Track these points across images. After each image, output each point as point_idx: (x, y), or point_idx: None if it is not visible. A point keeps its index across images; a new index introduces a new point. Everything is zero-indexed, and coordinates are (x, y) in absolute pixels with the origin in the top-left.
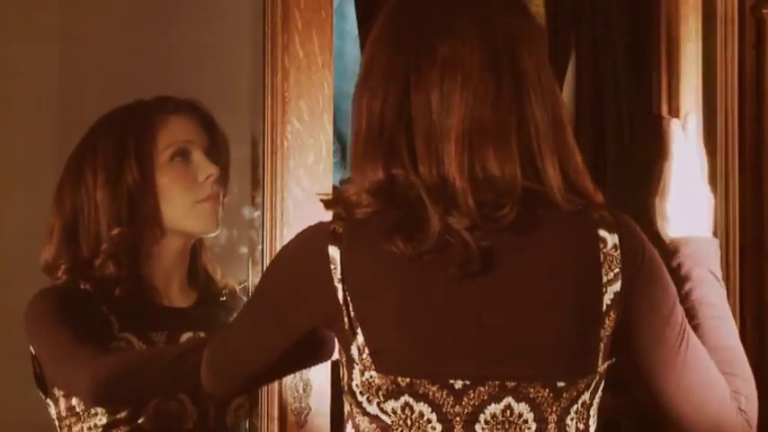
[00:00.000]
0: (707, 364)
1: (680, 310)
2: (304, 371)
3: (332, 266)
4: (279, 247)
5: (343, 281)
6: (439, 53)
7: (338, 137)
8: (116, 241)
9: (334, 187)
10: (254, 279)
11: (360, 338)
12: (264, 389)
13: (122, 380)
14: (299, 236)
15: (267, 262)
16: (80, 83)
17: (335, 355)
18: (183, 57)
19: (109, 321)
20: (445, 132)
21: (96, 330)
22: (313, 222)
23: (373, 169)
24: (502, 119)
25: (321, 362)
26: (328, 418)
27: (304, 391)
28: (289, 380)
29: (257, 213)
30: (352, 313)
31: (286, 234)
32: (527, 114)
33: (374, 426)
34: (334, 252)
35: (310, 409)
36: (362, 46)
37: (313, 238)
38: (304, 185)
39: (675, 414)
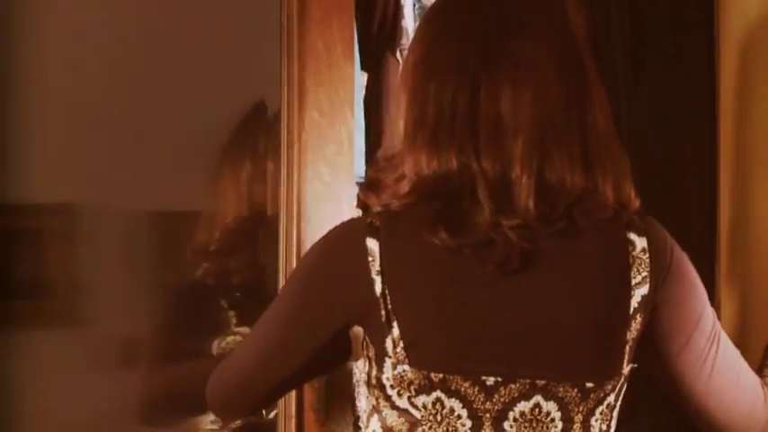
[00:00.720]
0: (738, 368)
1: (710, 313)
2: None
3: (370, 258)
4: (298, 245)
5: (381, 273)
6: (512, 51)
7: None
8: (230, 228)
9: (370, 171)
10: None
11: (395, 332)
12: None
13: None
14: (331, 232)
15: (286, 260)
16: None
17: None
18: (199, 47)
19: (226, 317)
20: (514, 130)
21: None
22: (334, 217)
23: (440, 157)
24: (570, 122)
25: (342, 365)
26: (348, 415)
27: (323, 388)
28: None
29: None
30: (389, 306)
31: (305, 230)
32: (590, 119)
33: (402, 420)
34: (372, 244)
35: (329, 407)
36: (361, 46)
37: (349, 232)
38: (324, 179)
39: (705, 416)
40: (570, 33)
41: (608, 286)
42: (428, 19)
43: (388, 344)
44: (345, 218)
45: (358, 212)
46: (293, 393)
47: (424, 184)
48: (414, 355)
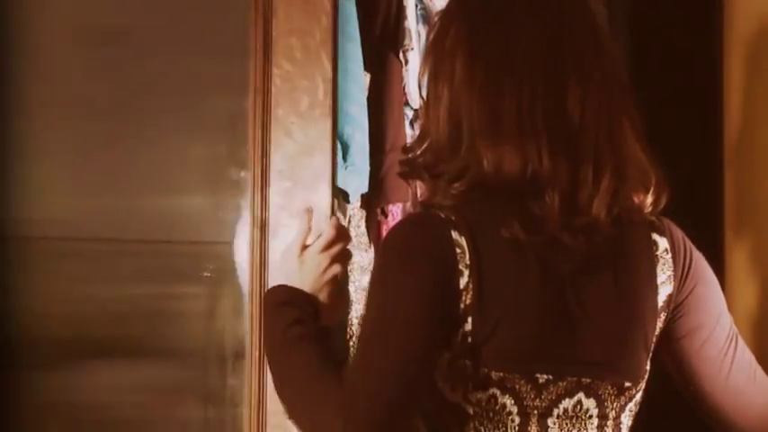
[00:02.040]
0: (755, 367)
1: (728, 313)
2: None
3: (458, 251)
4: (268, 211)
5: (469, 267)
6: (581, 54)
7: (340, 137)
8: None
9: (424, 162)
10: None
11: (468, 326)
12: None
13: None
14: (406, 223)
15: (255, 230)
16: None
17: None
18: None
19: None
20: (581, 133)
21: None
22: (313, 180)
23: (521, 155)
24: (625, 128)
25: None
26: None
27: None
28: None
29: (243, 173)
30: (468, 300)
31: (273, 197)
32: (635, 124)
33: (452, 415)
34: (458, 238)
35: None
36: (363, 47)
37: (430, 224)
38: (296, 137)
39: (722, 415)
40: (606, 39)
41: (641, 287)
42: (477, 9)
43: (457, 337)
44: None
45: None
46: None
47: (495, 180)
48: (481, 352)
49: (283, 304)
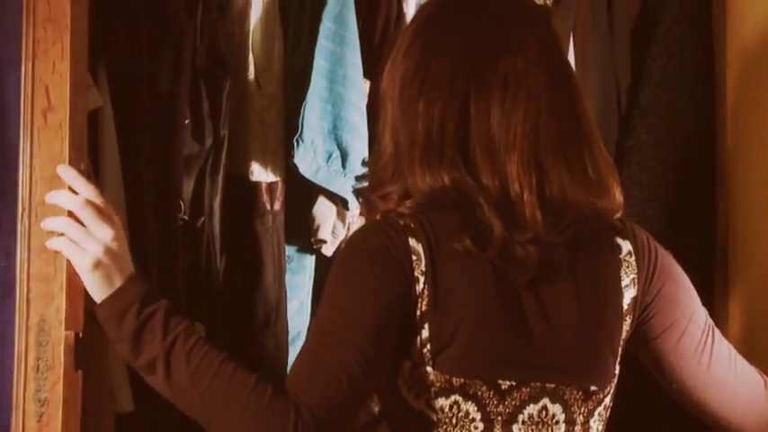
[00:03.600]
0: (734, 357)
1: (702, 309)
2: None
3: (414, 257)
4: None
5: (425, 273)
6: (501, 68)
7: (339, 144)
8: None
9: (372, 186)
10: None
11: (425, 333)
12: None
13: None
14: (366, 229)
15: None
16: None
17: None
18: None
19: None
20: (507, 147)
21: None
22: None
23: (435, 176)
24: (563, 135)
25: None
26: None
27: None
28: None
29: None
30: (424, 307)
31: None
32: (581, 131)
33: (417, 423)
34: (415, 245)
35: None
36: (363, 54)
37: (390, 231)
38: None
39: (709, 407)
40: (557, 48)
41: (604, 291)
42: (415, 34)
43: (415, 344)
44: None
45: None
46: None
47: (425, 199)
48: (440, 359)
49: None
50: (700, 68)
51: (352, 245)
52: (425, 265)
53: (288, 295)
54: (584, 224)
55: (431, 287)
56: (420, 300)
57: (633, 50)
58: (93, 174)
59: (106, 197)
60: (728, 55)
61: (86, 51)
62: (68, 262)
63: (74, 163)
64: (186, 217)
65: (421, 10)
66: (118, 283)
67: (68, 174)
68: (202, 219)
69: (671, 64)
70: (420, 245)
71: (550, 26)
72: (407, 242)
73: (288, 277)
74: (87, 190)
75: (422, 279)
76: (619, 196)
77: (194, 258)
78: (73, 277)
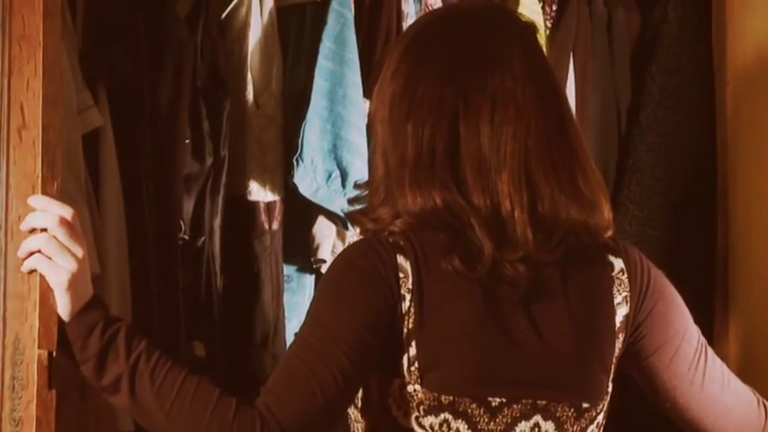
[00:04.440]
0: (727, 376)
1: (695, 328)
2: None
3: (401, 275)
4: None
5: (411, 291)
6: (489, 86)
7: (338, 163)
8: None
9: (364, 209)
10: None
11: (412, 351)
12: None
13: None
14: (355, 246)
15: None
16: None
17: None
18: None
19: None
20: (498, 165)
21: None
22: None
23: (426, 197)
24: (552, 153)
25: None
26: None
27: None
28: None
29: None
30: (410, 325)
31: None
32: (570, 148)
33: None
34: (403, 262)
35: None
36: (363, 74)
37: (378, 248)
38: None
39: (702, 426)
40: (544, 64)
41: (597, 308)
42: (402, 54)
43: (403, 362)
44: None
45: None
46: None
47: (416, 219)
48: (428, 377)
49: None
50: (699, 87)
51: (340, 261)
52: (412, 283)
53: (287, 315)
54: (576, 241)
55: (417, 305)
56: (406, 317)
57: (633, 70)
58: (94, 193)
59: (77, 217)
60: (728, 73)
61: (59, 69)
62: (42, 280)
63: (47, 181)
64: (186, 236)
65: (407, 31)
66: (83, 302)
67: (40, 202)
68: (203, 238)
69: (670, 83)
70: (408, 262)
71: (537, 42)
72: (395, 259)
73: (287, 297)
74: (61, 209)
75: (408, 297)
76: (608, 213)
77: (194, 278)
78: (46, 296)
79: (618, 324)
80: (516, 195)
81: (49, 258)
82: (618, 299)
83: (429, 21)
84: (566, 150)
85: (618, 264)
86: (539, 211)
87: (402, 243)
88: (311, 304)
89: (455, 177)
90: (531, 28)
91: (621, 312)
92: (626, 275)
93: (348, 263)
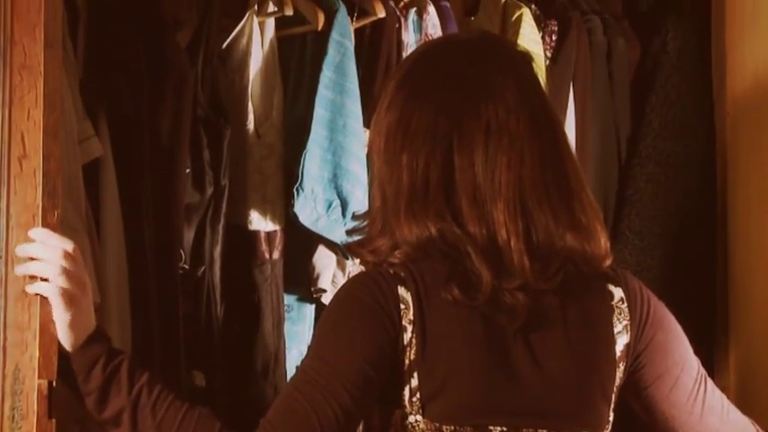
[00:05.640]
0: (727, 407)
1: (695, 358)
2: None
3: (402, 306)
4: None
5: (413, 323)
6: (483, 117)
7: (339, 193)
8: None
9: (362, 240)
10: None
11: (414, 382)
12: None
13: None
14: (356, 279)
15: None
16: None
17: None
18: None
19: None
20: (493, 195)
21: None
22: None
23: (421, 227)
24: (547, 181)
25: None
26: None
27: None
28: None
29: None
30: (412, 356)
31: None
32: (566, 176)
33: None
34: (404, 293)
35: None
36: (363, 104)
37: (378, 278)
38: None
39: None
40: (539, 93)
41: (597, 337)
42: (397, 86)
43: (405, 393)
44: None
45: None
46: None
47: (414, 249)
48: (429, 407)
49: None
50: (699, 117)
51: (341, 294)
52: (413, 314)
53: (288, 344)
54: (575, 270)
55: (419, 336)
56: (408, 349)
57: (633, 100)
58: (94, 222)
59: (78, 249)
60: (728, 104)
61: (60, 98)
62: (42, 310)
63: (47, 210)
64: (187, 266)
65: (404, 61)
66: (86, 334)
67: (40, 234)
68: (203, 268)
69: (670, 113)
70: (409, 293)
71: (532, 72)
72: (396, 291)
73: (288, 326)
74: (62, 242)
75: (410, 328)
76: (606, 241)
77: (194, 307)
78: (46, 326)
79: (618, 353)
80: (512, 224)
81: (56, 289)
82: (618, 327)
83: (424, 51)
84: (561, 179)
85: (617, 293)
86: (534, 239)
87: (403, 274)
88: (313, 338)
89: (450, 207)
90: (526, 57)
91: (622, 341)
92: (626, 304)
93: (349, 296)
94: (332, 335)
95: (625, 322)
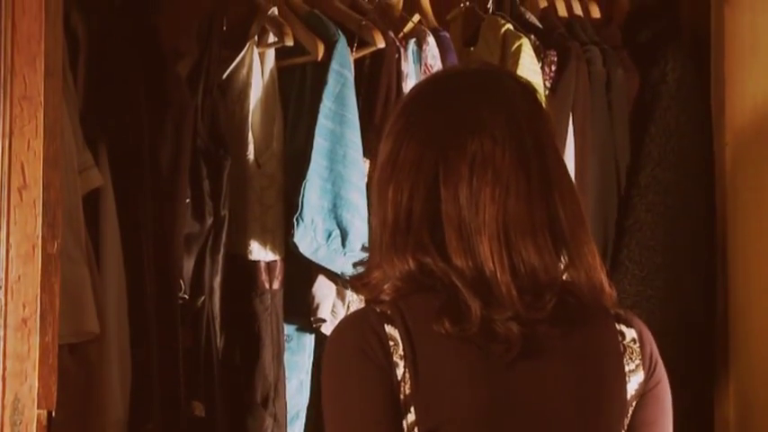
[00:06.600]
0: None
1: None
2: None
3: (391, 343)
4: None
5: (404, 358)
6: (468, 149)
7: (338, 223)
8: None
9: (361, 273)
10: None
11: (411, 417)
12: None
13: None
14: (342, 324)
15: None
16: None
17: None
18: None
19: None
20: (478, 228)
21: None
22: None
23: (401, 260)
24: (534, 215)
25: None
26: None
27: None
28: None
29: None
30: (407, 391)
31: None
32: (555, 210)
33: None
34: (392, 331)
35: None
36: (363, 134)
37: (363, 320)
38: None
39: None
40: (534, 125)
41: (605, 374)
42: (395, 118)
43: (403, 429)
44: None
45: None
46: None
47: (407, 282)
48: None
49: None
50: (698, 148)
51: (331, 348)
52: (404, 349)
53: (287, 374)
54: (576, 302)
55: (411, 370)
56: (402, 384)
57: (632, 130)
58: (94, 252)
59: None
60: (727, 134)
61: (60, 129)
62: (41, 341)
63: (47, 240)
64: (186, 296)
65: (406, 94)
66: None
67: None
68: (203, 298)
69: (669, 144)
70: (396, 330)
71: (531, 103)
72: (383, 329)
73: (287, 356)
74: None
75: (401, 363)
76: (601, 273)
77: (194, 337)
78: (46, 356)
79: (632, 391)
80: (497, 257)
81: None
82: (631, 366)
83: (424, 83)
84: (551, 213)
85: (629, 333)
86: (521, 272)
87: (389, 312)
88: (323, 404)
89: (435, 240)
90: (527, 89)
91: (636, 379)
92: (638, 344)
93: (341, 343)
94: (334, 389)
95: (638, 361)
